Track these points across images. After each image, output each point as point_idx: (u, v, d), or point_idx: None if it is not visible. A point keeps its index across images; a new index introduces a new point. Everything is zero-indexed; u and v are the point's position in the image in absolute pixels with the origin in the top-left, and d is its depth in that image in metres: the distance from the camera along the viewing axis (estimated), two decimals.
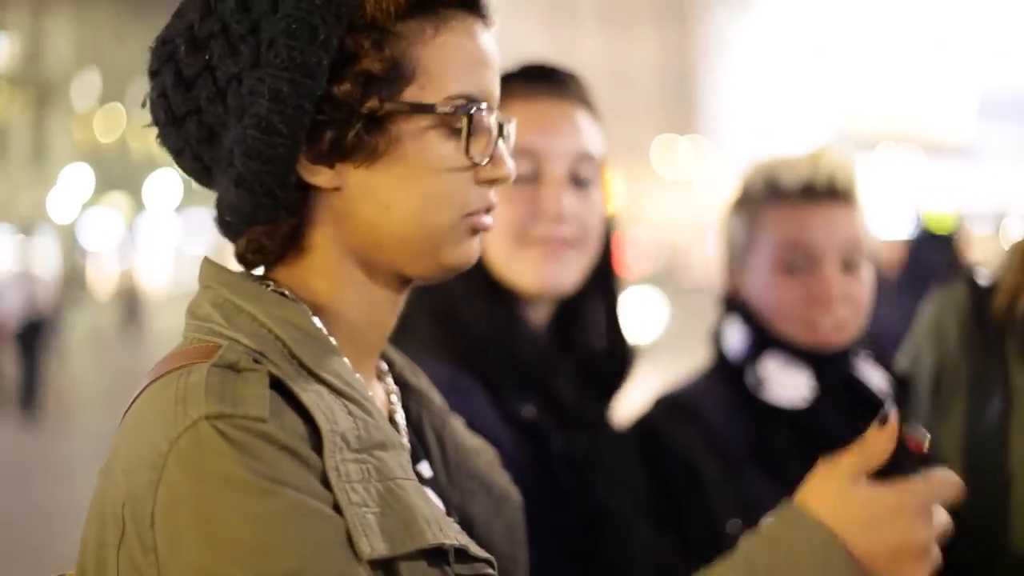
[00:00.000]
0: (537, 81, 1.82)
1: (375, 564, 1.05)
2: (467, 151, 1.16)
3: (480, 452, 1.37)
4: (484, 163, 1.18)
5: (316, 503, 1.03)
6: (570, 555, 1.73)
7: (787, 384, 2.02)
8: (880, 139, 48.38)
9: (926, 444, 1.23)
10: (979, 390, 2.02)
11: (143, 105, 1.21)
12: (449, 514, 1.25)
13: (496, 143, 1.19)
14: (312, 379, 1.11)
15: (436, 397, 1.36)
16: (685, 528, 1.97)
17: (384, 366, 1.30)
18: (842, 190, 2.05)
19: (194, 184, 1.24)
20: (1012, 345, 2.00)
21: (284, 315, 1.14)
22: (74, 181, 38.57)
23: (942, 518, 1.21)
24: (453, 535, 1.12)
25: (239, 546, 1.00)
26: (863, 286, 2.06)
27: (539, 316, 1.83)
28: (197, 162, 1.19)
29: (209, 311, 1.15)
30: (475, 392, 1.70)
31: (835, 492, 1.18)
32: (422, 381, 1.35)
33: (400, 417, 1.28)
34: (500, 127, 1.20)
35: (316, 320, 1.16)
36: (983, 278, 2.10)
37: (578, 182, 1.81)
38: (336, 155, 1.14)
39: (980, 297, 2.06)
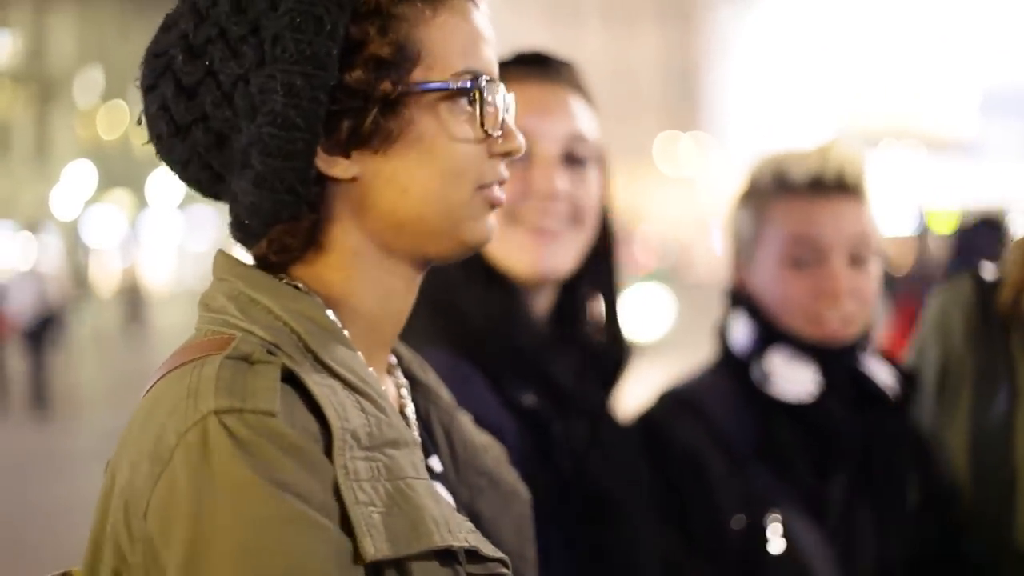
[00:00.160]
0: (530, 67, 1.82)
1: (382, 564, 1.05)
2: (482, 124, 1.18)
3: (488, 448, 1.37)
4: (497, 136, 1.19)
5: (313, 513, 1.02)
6: (572, 544, 1.73)
7: (793, 379, 2.01)
8: (883, 136, 48.36)
9: None
10: (984, 385, 2.01)
11: (139, 123, 1.21)
12: (458, 510, 1.24)
13: (504, 116, 1.21)
14: (326, 373, 1.11)
15: (444, 393, 1.36)
16: (690, 524, 1.96)
17: (393, 360, 1.30)
18: (851, 184, 2.04)
19: None
20: (1017, 340, 2.00)
21: (300, 308, 1.14)
22: (77, 178, 38.61)
23: None
24: (463, 536, 1.12)
25: (229, 546, 1.00)
26: (870, 280, 2.05)
27: (541, 305, 1.83)
28: (206, 170, 1.18)
29: (224, 303, 1.15)
30: (476, 379, 1.70)
31: None
32: (430, 376, 1.35)
33: (411, 411, 1.27)
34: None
35: (330, 313, 1.16)
36: (988, 273, 2.10)
37: (572, 161, 1.80)
38: (353, 144, 1.14)
39: (985, 292, 2.06)
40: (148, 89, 1.19)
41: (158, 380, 1.12)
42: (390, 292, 1.20)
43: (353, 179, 1.16)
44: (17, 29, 38.23)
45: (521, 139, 1.22)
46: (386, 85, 1.13)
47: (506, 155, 1.21)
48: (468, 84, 1.17)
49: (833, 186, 2.03)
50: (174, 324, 25.89)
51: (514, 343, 1.75)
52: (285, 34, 1.11)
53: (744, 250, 2.12)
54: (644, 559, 1.80)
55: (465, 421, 1.36)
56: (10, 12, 37.42)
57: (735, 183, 2.19)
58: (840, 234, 2.02)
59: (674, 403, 2.08)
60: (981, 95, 53.80)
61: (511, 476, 1.37)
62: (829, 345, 2.01)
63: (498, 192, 1.21)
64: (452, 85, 1.16)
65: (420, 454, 1.16)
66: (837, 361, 2.02)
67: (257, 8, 1.12)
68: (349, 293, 1.18)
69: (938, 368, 2.09)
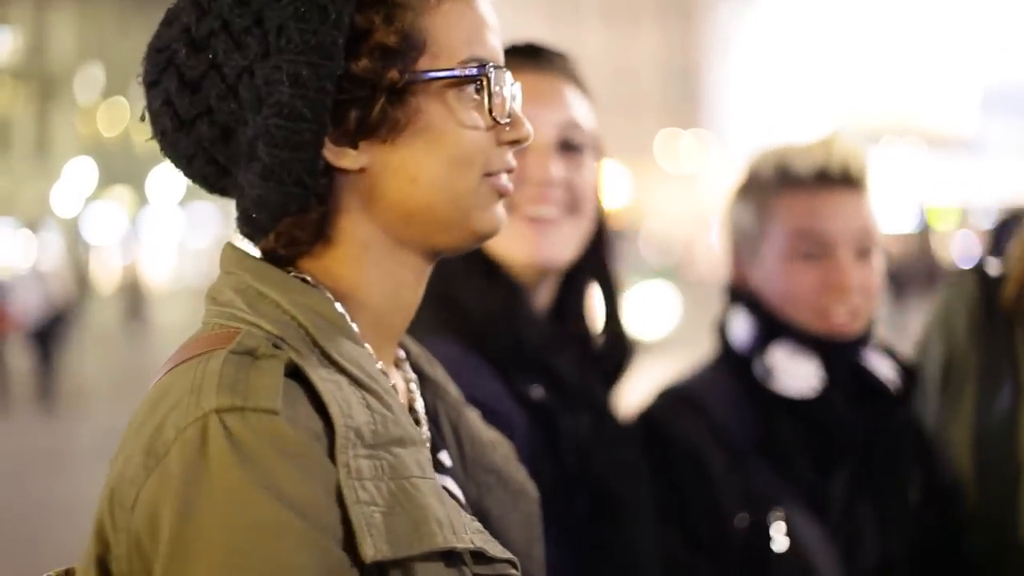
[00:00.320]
0: (523, 57, 1.81)
1: (387, 565, 1.04)
2: (491, 111, 1.17)
3: (496, 445, 1.36)
4: (505, 123, 1.18)
5: (304, 524, 1.00)
6: (575, 541, 1.72)
7: (795, 374, 1.99)
8: (884, 133, 48.37)
9: None
10: (988, 381, 2.01)
11: (142, 119, 1.20)
12: (466, 507, 1.23)
13: (512, 105, 1.20)
14: (333, 369, 1.10)
15: (452, 388, 1.35)
16: (691, 522, 1.95)
17: (402, 354, 1.29)
18: (855, 177, 2.03)
19: None
20: (1021, 336, 2.00)
21: (308, 303, 1.13)
22: (77, 175, 38.62)
23: None
24: (468, 537, 1.10)
25: (212, 550, 0.99)
26: (875, 274, 2.04)
27: (541, 299, 1.82)
28: (212, 165, 1.17)
29: (231, 297, 1.14)
30: (486, 370, 1.69)
31: None
32: (438, 372, 1.34)
33: (420, 406, 1.26)
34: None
35: (339, 307, 1.15)
36: (993, 269, 2.09)
37: (568, 148, 1.79)
38: (361, 134, 1.13)
39: (989, 288, 2.05)
40: (151, 85, 1.17)
41: (164, 374, 1.11)
42: (400, 284, 1.19)
43: (361, 170, 1.14)
44: (17, 26, 38.24)
45: (529, 127, 1.21)
46: (393, 74, 1.12)
47: (514, 143, 1.20)
48: (476, 71, 1.16)
49: (838, 179, 2.02)
50: (175, 321, 25.91)
51: (516, 337, 1.74)
52: (290, 24, 1.10)
53: (745, 245, 2.10)
54: (646, 557, 1.80)
55: (473, 417, 1.35)
56: (10, 9, 37.42)
57: (737, 176, 2.17)
58: (846, 227, 2.00)
59: (674, 400, 2.06)
60: (982, 92, 53.81)
61: (519, 474, 1.36)
62: (835, 339, 2.00)
63: (505, 181, 1.20)
64: (460, 72, 1.15)
65: (427, 452, 1.14)
66: (840, 355, 2.01)
67: None
68: (358, 286, 1.17)
69: (942, 364, 2.08)
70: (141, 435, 1.05)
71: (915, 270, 22.21)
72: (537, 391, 1.72)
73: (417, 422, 1.23)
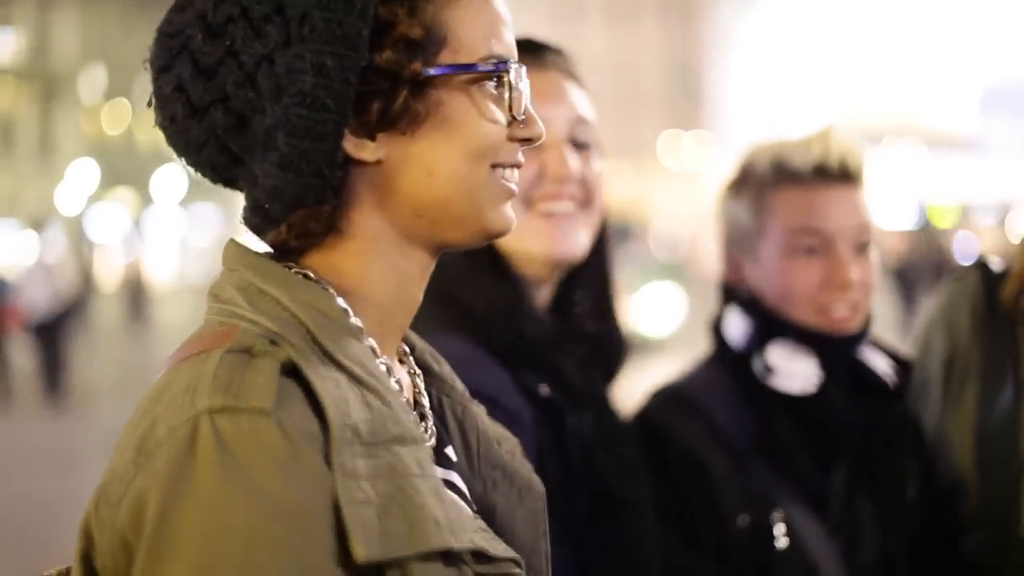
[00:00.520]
0: (526, 53, 1.80)
1: (384, 565, 1.03)
2: (510, 108, 1.17)
3: (502, 440, 1.34)
4: (521, 120, 1.18)
5: (279, 529, 0.99)
6: (577, 540, 1.71)
7: (794, 371, 1.98)
8: (884, 133, 48.36)
9: None
10: (990, 378, 2.00)
11: (149, 104, 1.18)
12: (472, 502, 1.23)
13: (527, 103, 1.20)
14: (332, 366, 1.09)
15: (458, 384, 1.33)
16: (692, 523, 1.94)
17: (406, 349, 1.28)
18: (853, 171, 2.01)
19: (201, 178, 1.20)
20: (1023, 333, 1.99)
21: (310, 299, 1.12)
22: (80, 175, 38.63)
23: None
24: (469, 536, 1.10)
25: (187, 551, 0.99)
26: (873, 269, 2.03)
27: (542, 296, 1.82)
28: (223, 153, 1.16)
29: (232, 294, 1.13)
30: (494, 366, 1.69)
31: None
32: (444, 367, 1.33)
33: (425, 401, 1.26)
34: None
35: (342, 302, 1.15)
36: (995, 265, 2.08)
37: (578, 144, 1.81)
38: (382, 126, 1.13)
39: (992, 284, 2.04)
40: (162, 70, 1.15)
41: (164, 372, 1.11)
42: (405, 279, 1.19)
43: (377, 162, 1.14)
44: (20, 26, 38.24)
45: (541, 126, 1.21)
46: (416, 66, 1.12)
47: (526, 141, 1.20)
48: (497, 67, 1.16)
49: (837, 174, 2.00)
50: (177, 319, 25.94)
51: (521, 335, 1.74)
52: (314, 13, 1.09)
53: (741, 241, 2.08)
54: (647, 557, 1.80)
55: (479, 412, 1.34)
56: (13, 9, 37.42)
57: (729, 174, 2.15)
58: (846, 222, 2.00)
59: (671, 401, 2.04)
60: (981, 92, 53.76)
61: (525, 469, 1.34)
62: (833, 335, 1.99)
63: (513, 182, 1.20)
64: (482, 67, 1.15)
65: (427, 451, 1.13)
66: (838, 351, 2.00)
67: None
68: (364, 280, 1.17)
69: (944, 360, 2.07)
70: (135, 432, 1.06)
71: (923, 268, 22.13)
72: (544, 388, 1.72)
73: (422, 417, 1.23)
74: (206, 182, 1.22)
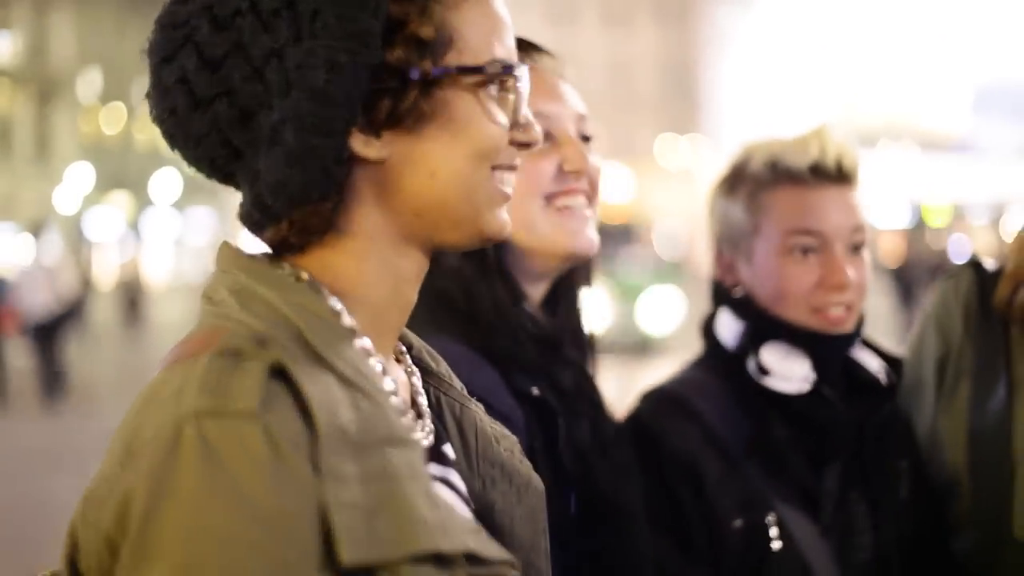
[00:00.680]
0: (521, 55, 1.82)
1: (372, 568, 1.03)
2: (515, 111, 1.18)
3: (501, 439, 1.34)
4: (523, 123, 1.19)
5: (260, 533, 0.99)
6: (570, 541, 1.70)
7: (788, 372, 1.97)
8: (879, 135, 48.47)
9: None
10: (983, 378, 2.00)
11: (147, 96, 1.18)
12: (470, 501, 1.23)
13: (527, 106, 1.21)
14: (322, 368, 1.08)
15: (456, 382, 1.33)
16: (685, 528, 1.94)
17: (403, 348, 1.28)
18: (848, 171, 2.01)
19: (196, 181, 1.25)
20: (1016, 333, 1.99)
21: (302, 301, 1.12)
22: (77, 177, 38.63)
23: None
24: (460, 539, 1.09)
25: (169, 552, 0.99)
26: (866, 269, 2.02)
27: (537, 293, 1.82)
28: (224, 147, 1.15)
29: (225, 296, 1.13)
30: (486, 368, 1.68)
31: None
32: (442, 366, 1.33)
33: (423, 399, 1.25)
34: None
35: (337, 303, 1.15)
36: (989, 264, 2.08)
37: (585, 140, 1.81)
38: (388, 124, 1.13)
39: (986, 284, 2.04)
40: (163, 60, 1.14)
41: (157, 374, 1.11)
42: (401, 279, 1.19)
43: (381, 161, 1.14)
44: (17, 29, 38.23)
45: (539, 130, 1.22)
46: (426, 65, 1.12)
47: (524, 145, 1.21)
48: (503, 70, 1.17)
49: (833, 174, 2.00)
50: (173, 319, 25.96)
51: (518, 338, 1.73)
52: (327, 9, 1.09)
53: (735, 241, 2.06)
54: (640, 561, 1.79)
55: (477, 411, 1.33)
56: (10, 12, 37.42)
57: (720, 173, 2.14)
58: (842, 223, 1.99)
59: (663, 403, 2.03)
60: (974, 93, 53.90)
61: (525, 467, 1.34)
62: (827, 335, 1.98)
63: (508, 184, 1.21)
64: (489, 70, 1.16)
65: (419, 453, 1.13)
66: (832, 352, 2.00)
67: None
68: (359, 279, 1.17)
69: (937, 360, 2.07)
70: (124, 433, 1.06)
71: (922, 268, 22.15)
72: (535, 389, 1.71)
73: (420, 415, 1.23)
74: (201, 185, 1.25)
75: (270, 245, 1.17)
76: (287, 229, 1.14)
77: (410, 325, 1.27)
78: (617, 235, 19.78)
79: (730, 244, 2.08)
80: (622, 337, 18.86)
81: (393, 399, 1.17)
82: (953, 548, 2.03)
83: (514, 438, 1.36)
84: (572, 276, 1.86)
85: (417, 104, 1.13)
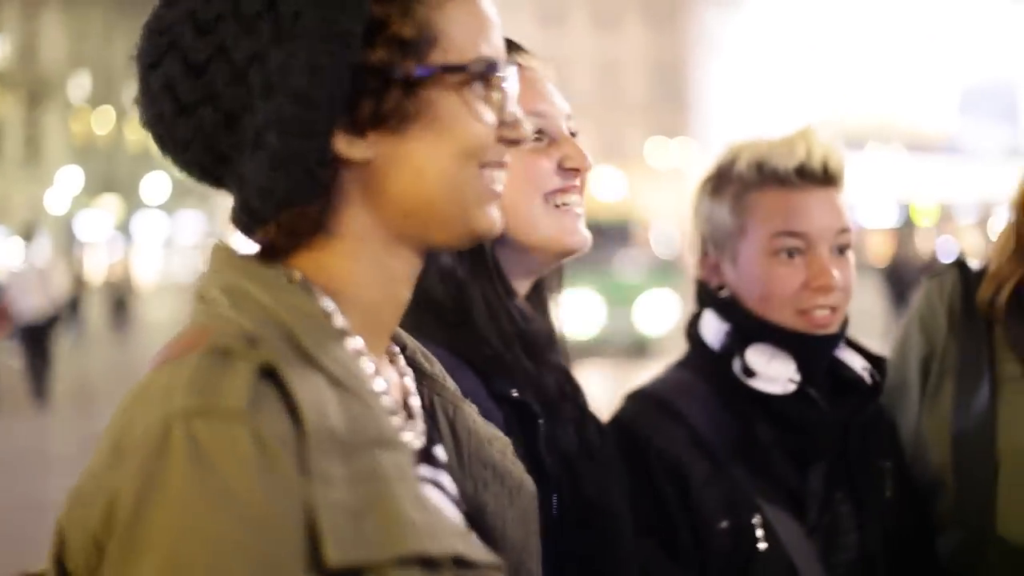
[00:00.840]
0: (509, 55, 1.82)
1: (360, 570, 1.03)
2: (502, 109, 1.17)
3: (493, 440, 1.33)
4: (510, 121, 1.19)
5: (245, 533, 0.99)
6: (553, 549, 1.65)
7: (773, 373, 1.97)
8: (867, 136, 48.65)
9: None
10: (967, 377, 2.00)
11: (136, 102, 1.17)
12: (461, 502, 1.23)
13: (514, 103, 1.20)
14: (312, 369, 1.08)
15: (449, 383, 1.33)
16: (671, 531, 1.93)
17: (396, 348, 1.28)
18: (834, 173, 2.01)
19: (185, 184, 1.24)
20: (1000, 332, 2.00)
21: (294, 301, 1.12)
22: (68, 180, 38.61)
23: None
24: (448, 542, 1.09)
25: (156, 552, 0.99)
26: (851, 270, 2.02)
27: (523, 289, 1.80)
28: (209, 152, 1.14)
29: (217, 296, 1.13)
30: (465, 370, 1.66)
31: None
32: (435, 367, 1.32)
33: (415, 400, 1.25)
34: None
35: (329, 303, 1.15)
36: (973, 266, 2.09)
37: (574, 136, 1.81)
38: (372, 125, 1.13)
39: (970, 283, 2.05)
40: (150, 66, 1.14)
41: (147, 373, 1.10)
42: (392, 279, 1.19)
43: (366, 162, 1.14)
44: (7, 33, 38.18)
45: (528, 127, 1.21)
46: (409, 65, 1.12)
47: (512, 142, 1.20)
48: (487, 68, 1.16)
49: (820, 176, 1.99)
50: (162, 319, 25.93)
51: (505, 341, 1.72)
52: (307, 11, 1.09)
53: (720, 242, 2.06)
54: (625, 563, 1.78)
55: (470, 412, 1.33)
56: None
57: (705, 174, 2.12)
58: (828, 225, 1.99)
59: (649, 405, 2.03)
60: (960, 95, 54.15)
61: (517, 468, 1.34)
62: (812, 336, 1.98)
63: (498, 181, 1.20)
64: (472, 68, 1.15)
65: (408, 455, 1.13)
66: (817, 353, 2.00)
67: None
68: (351, 280, 1.16)
69: (921, 359, 2.07)
70: (112, 432, 1.06)
71: (911, 269, 22.23)
72: (515, 392, 1.70)
73: (412, 416, 1.22)
74: (190, 187, 1.25)
75: (260, 247, 1.16)
76: (275, 231, 1.13)
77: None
78: (614, 236, 19.71)
79: (715, 245, 2.07)
80: (618, 338, 18.92)
81: (384, 400, 1.16)
82: (938, 547, 2.03)
83: (507, 439, 1.35)
84: (544, 280, 1.86)
85: (401, 104, 1.12)
